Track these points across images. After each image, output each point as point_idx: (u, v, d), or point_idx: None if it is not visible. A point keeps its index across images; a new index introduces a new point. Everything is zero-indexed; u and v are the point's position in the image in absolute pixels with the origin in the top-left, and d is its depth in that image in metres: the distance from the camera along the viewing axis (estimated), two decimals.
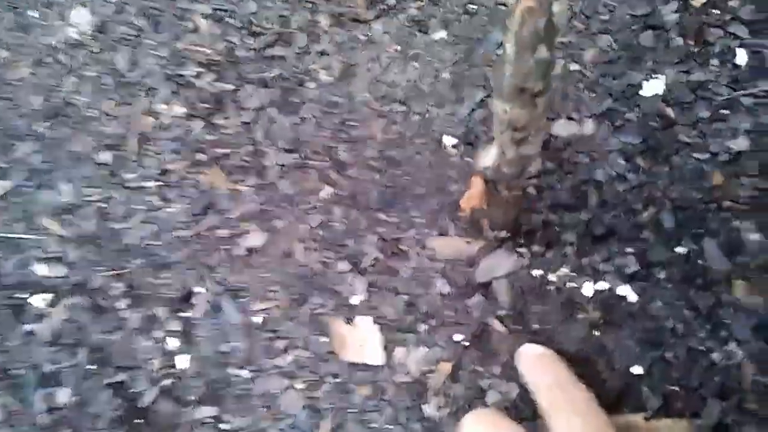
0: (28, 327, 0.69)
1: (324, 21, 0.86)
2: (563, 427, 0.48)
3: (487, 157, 0.55)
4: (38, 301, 0.70)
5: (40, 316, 0.69)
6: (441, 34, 0.82)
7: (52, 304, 0.70)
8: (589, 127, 0.73)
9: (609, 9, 0.79)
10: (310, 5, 0.87)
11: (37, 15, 0.92)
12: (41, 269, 0.73)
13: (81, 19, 0.92)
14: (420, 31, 0.83)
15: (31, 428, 0.63)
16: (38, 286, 0.72)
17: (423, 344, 0.64)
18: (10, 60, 0.89)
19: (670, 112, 0.71)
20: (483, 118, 0.77)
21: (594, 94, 0.75)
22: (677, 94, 0.71)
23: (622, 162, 0.69)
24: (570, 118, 0.74)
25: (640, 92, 0.73)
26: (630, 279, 0.62)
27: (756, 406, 0.54)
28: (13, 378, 0.66)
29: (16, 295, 0.71)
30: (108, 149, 0.82)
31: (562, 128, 0.74)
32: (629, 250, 0.64)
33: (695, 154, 0.67)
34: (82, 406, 0.63)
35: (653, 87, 0.73)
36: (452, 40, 0.82)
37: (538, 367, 0.55)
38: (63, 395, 0.64)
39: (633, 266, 0.62)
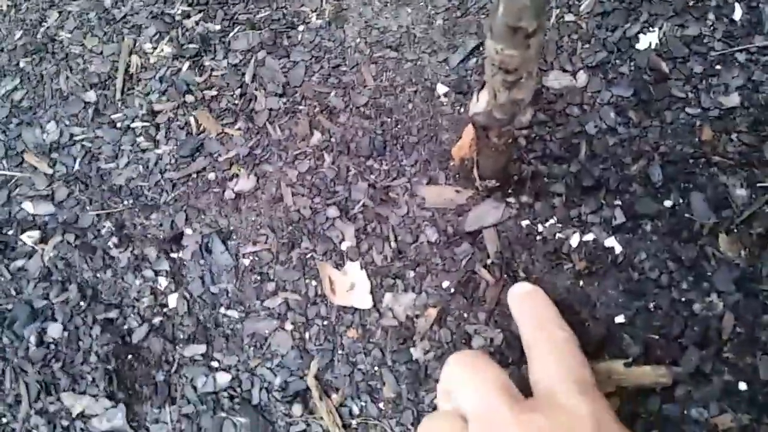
0: (18, 263, 0.67)
1: None
2: (538, 363, 0.48)
3: (479, 102, 0.53)
4: (27, 238, 0.68)
5: (29, 253, 0.67)
6: None
7: (42, 241, 0.68)
8: (581, 79, 0.71)
9: None
10: None
11: None
12: (29, 207, 0.70)
13: None
14: None
15: (23, 361, 0.61)
16: (27, 223, 0.70)
17: (411, 290, 0.63)
18: None
19: (663, 66, 0.68)
20: (476, 67, 0.74)
21: (588, 46, 0.72)
22: (672, 48, 0.69)
23: (614, 115, 0.67)
24: (563, 70, 0.72)
25: (635, 45, 0.71)
26: (616, 230, 0.61)
27: (734, 356, 0.54)
28: (4, 312, 0.64)
29: (5, 232, 0.69)
30: (94, 88, 0.79)
31: (554, 80, 0.71)
32: (617, 202, 0.63)
33: (687, 109, 0.65)
34: (72, 341, 0.62)
35: (648, 40, 0.71)
36: None
37: (525, 304, 0.54)
38: (54, 330, 0.62)
39: (620, 218, 0.61)
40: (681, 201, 0.61)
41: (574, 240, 0.62)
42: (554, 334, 0.50)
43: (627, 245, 0.60)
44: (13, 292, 0.65)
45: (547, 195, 0.64)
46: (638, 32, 0.71)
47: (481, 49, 0.74)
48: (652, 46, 0.70)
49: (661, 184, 0.62)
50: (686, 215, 0.60)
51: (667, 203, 0.61)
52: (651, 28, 0.71)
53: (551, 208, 0.64)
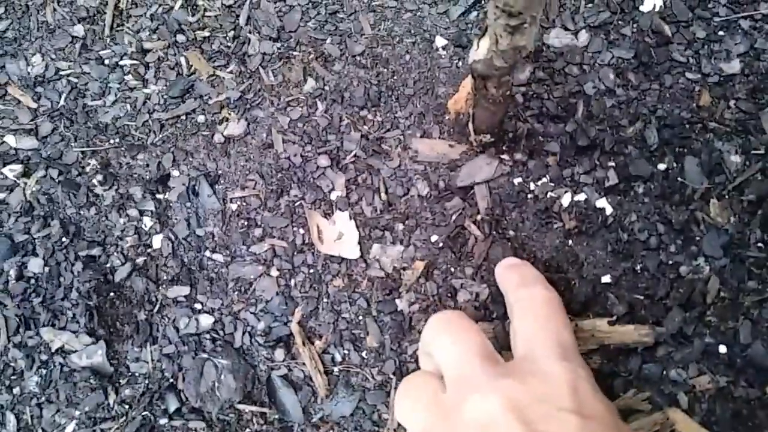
0: (0, 196, 0.64)
1: None
2: (519, 323, 0.47)
3: (479, 50, 0.51)
4: (8, 171, 0.65)
5: (10, 187, 0.65)
6: None
7: (24, 175, 0.65)
8: (583, 38, 0.68)
9: None
10: None
11: None
12: (11, 140, 0.68)
13: None
14: None
15: (1, 295, 0.60)
16: (8, 156, 0.67)
17: (399, 242, 0.62)
18: None
19: (666, 29, 0.66)
20: (477, 21, 0.72)
21: (591, 6, 0.70)
22: (676, 12, 0.67)
23: (613, 76, 0.65)
24: (565, 28, 0.69)
25: (639, 7, 0.69)
26: (608, 192, 0.60)
27: (716, 319, 0.54)
28: None
29: None
30: (82, 22, 0.75)
31: (555, 38, 0.69)
32: (611, 163, 0.61)
33: (687, 74, 0.64)
34: (53, 276, 0.60)
35: (652, 2, 0.68)
36: None
37: (511, 271, 0.53)
38: (34, 265, 0.60)
39: (613, 179, 0.60)
40: (675, 165, 0.60)
41: (566, 199, 0.60)
42: (537, 293, 0.48)
43: (618, 206, 0.59)
44: None
45: (541, 153, 0.63)
46: None
47: (482, 2, 0.72)
48: (656, 9, 0.68)
49: (656, 148, 0.61)
50: (679, 179, 0.59)
51: (661, 167, 0.60)
52: None
53: (545, 166, 0.62)
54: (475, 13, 0.72)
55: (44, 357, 0.58)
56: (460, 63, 0.69)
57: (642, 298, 0.56)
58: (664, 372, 0.54)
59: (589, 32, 0.68)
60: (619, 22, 0.69)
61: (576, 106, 0.65)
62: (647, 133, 0.62)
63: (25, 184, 0.65)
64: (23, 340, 0.58)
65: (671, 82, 0.64)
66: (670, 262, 0.56)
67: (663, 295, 0.55)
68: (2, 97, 0.71)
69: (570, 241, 0.59)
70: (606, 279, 0.57)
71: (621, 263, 0.57)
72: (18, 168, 0.66)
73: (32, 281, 0.60)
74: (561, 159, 0.63)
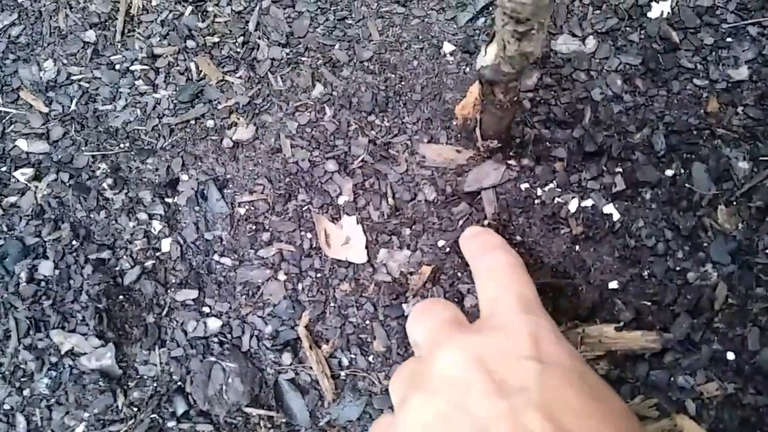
0: (11, 200, 0.65)
1: None
2: (481, 286, 0.47)
3: (487, 56, 0.51)
4: (20, 175, 0.66)
5: (22, 190, 0.65)
6: None
7: (35, 178, 0.66)
8: (590, 44, 0.69)
9: None
10: None
11: None
12: (23, 144, 0.68)
13: None
14: None
15: (12, 297, 0.60)
16: (20, 160, 0.68)
17: (406, 247, 0.62)
18: None
19: (674, 35, 0.66)
20: (484, 27, 0.72)
21: (599, 12, 0.70)
22: (684, 18, 0.67)
23: (620, 82, 0.65)
24: (572, 35, 0.69)
25: (647, 13, 0.69)
26: (616, 197, 0.60)
27: (724, 326, 0.54)
28: None
29: None
30: (93, 28, 0.76)
31: (563, 44, 0.69)
32: (618, 169, 0.61)
33: (695, 80, 0.64)
34: (63, 279, 0.61)
35: (660, 9, 0.68)
36: None
37: (474, 239, 0.53)
38: (45, 268, 0.61)
39: (620, 185, 0.60)
40: (682, 171, 0.60)
41: (573, 205, 0.60)
42: (499, 257, 0.49)
43: (625, 212, 0.59)
44: (5, 228, 0.64)
45: (549, 159, 0.63)
46: (650, 0, 0.69)
47: (490, 8, 0.72)
48: (664, 15, 0.68)
49: (664, 154, 0.61)
50: (687, 185, 0.59)
51: (669, 173, 0.60)
52: None
53: (552, 172, 0.62)
54: (482, 20, 0.72)
55: (54, 359, 0.58)
56: (468, 69, 0.70)
57: (649, 304, 0.55)
58: (672, 378, 0.53)
59: (596, 38, 0.68)
60: (627, 28, 0.69)
61: (583, 111, 0.65)
62: (655, 139, 0.61)
63: (36, 187, 0.66)
64: (33, 343, 0.59)
65: (679, 88, 0.64)
66: (678, 268, 0.56)
67: (670, 301, 0.55)
68: (14, 102, 0.72)
69: (577, 247, 0.59)
70: (613, 285, 0.57)
71: (628, 269, 0.57)
72: (29, 171, 0.66)
73: (42, 284, 0.61)
74: (568, 165, 0.62)
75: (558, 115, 0.65)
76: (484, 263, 0.49)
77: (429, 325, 0.45)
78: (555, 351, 0.39)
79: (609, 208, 0.60)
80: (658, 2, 0.69)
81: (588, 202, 0.60)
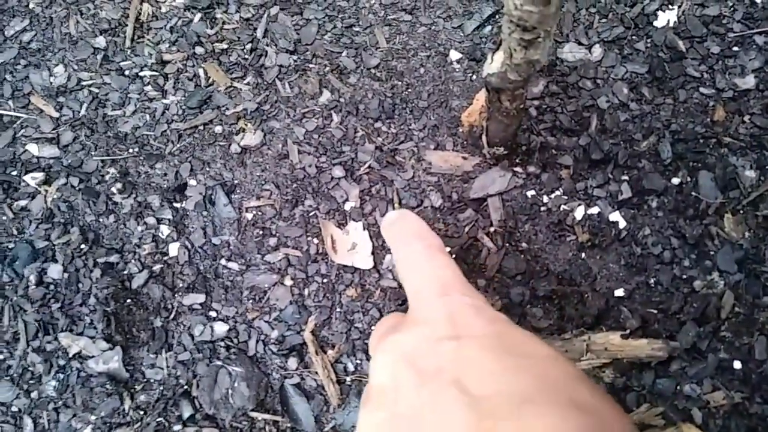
0: (21, 203, 0.65)
1: None
2: (402, 277, 0.46)
3: (493, 63, 0.51)
4: (30, 179, 0.66)
5: (32, 194, 0.66)
6: None
7: (45, 182, 0.66)
8: (596, 53, 0.69)
9: None
10: None
11: None
12: (33, 149, 0.69)
13: None
14: None
15: (22, 300, 0.60)
16: (30, 164, 0.68)
17: None
18: None
19: (680, 44, 0.66)
20: (491, 35, 0.72)
21: (605, 20, 0.70)
22: (690, 27, 0.67)
23: (627, 91, 0.65)
24: (578, 43, 0.70)
25: (653, 22, 0.69)
26: (622, 205, 0.60)
27: (731, 334, 0.53)
28: (5, 251, 0.63)
29: (9, 172, 0.67)
30: (103, 34, 0.76)
31: (569, 52, 0.69)
32: (624, 177, 0.61)
33: (701, 89, 0.64)
34: (72, 282, 0.61)
35: (666, 18, 0.68)
36: None
37: (394, 228, 0.50)
38: (54, 271, 0.61)
39: (626, 193, 0.60)
40: (689, 179, 0.60)
41: (579, 213, 0.60)
42: (413, 246, 0.46)
43: (631, 220, 0.59)
44: (15, 232, 0.64)
45: (555, 167, 0.63)
46: (657, 9, 0.69)
47: (497, 17, 0.72)
48: (670, 24, 0.68)
49: (670, 162, 0.60)
50: (693, 194, 0.59)
51: (675, 181, 0.60)
52: (670, 6, 0.69)
53: (558, 179, 0.62)
54: (489, 28, 0.72)
55: (62, 362, 0.58)
56: (474, 76, 0.70)
57: (655, 312, 0.55)
58: (678, 387, 0.53)
59: (602, 47, 0.69)
60: (633, 37, 0.69)
61: (589, 119, 0.65)
62: (661, 147, 0.61)
63: (46, 191, 0.66)
64: (42, 345, 0.59)
65: (685, 96, 0.64)
66: (684, 276, 0.56)
67: (677, 309, 0.55)
68: (25, 107, 0.72)
69: (583, 254, 0.59)
70: (619, 292, 0.57)
71: (634, 277, 0.57)
72: (39, 176, 0.67)
73: (51, 287, 0.61)
74: (574, 172, 0.62)
75: (564, 123, 0.65)
76: (401, 254, 0.47)
77: (373, 343, 0.43)
78: (473, 323, 0.37)
79: (615, 216, 0.60)
80: (664, 11, 0.69)
81: (594, 210, 0.60)
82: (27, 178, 0.67)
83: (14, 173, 0.68)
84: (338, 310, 0.60)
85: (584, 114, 0.65)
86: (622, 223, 0.59)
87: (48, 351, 0.59)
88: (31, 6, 0.78)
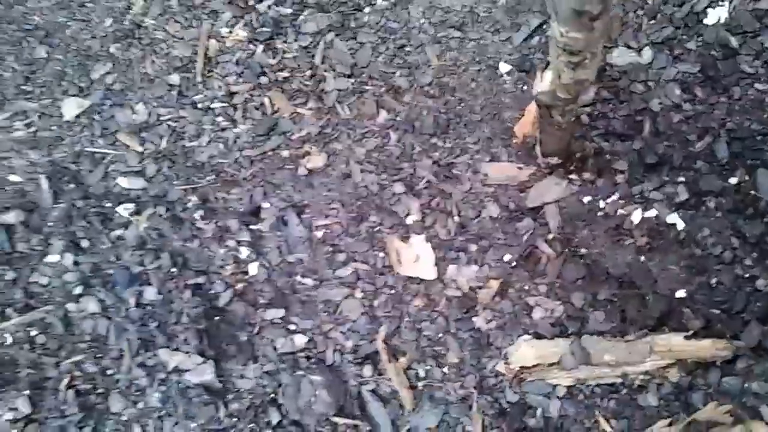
0: (117, 233, 0.72)
1: None
2: None
3: (543, 82, 0.53)
4: (123, 210, 0.73)
5: (125, 224, 0.72)
6: None
7: (136, 212, 0.72)
8: (647, 55, 0.69)
9: None
10: None
11: None
12: (123, 182, 0.75)
13: None
14: None
15: (124, 320, 0.66)
16: (122, 196, 0.74)
17: (473, 262, 0.64)
18: None
19: (733, 41, 0.66)
20: (539, 45, 0.73)
21: (653, 22, 0.70)
22: (742, 23, 0.66)
23: (679, 92, 0.65)
24: (628, 47, 0.70)
25: (703, 20, 0.68)
26: (679, 207, 0.60)
27: None
28: (106, 276, 0.70)
29: (104, 204, 0.74)
30: (177, 71, 0.82)
31: (618, 57, 0.70)
32: (680, 179, 0.61)
33: (756, 85, 0.63)
34: (166, 303, 0.67)
35: (717, 15, 0.68)
36: None
37: None
38: (150, 293, 0.67)
39: (683, 195, 0.60)
40: (747, 178, 0.59)
41: (636, 216, 0.61)
42: None
43: (690, 222, 0.59)
44: (114, 258, 0.70)
45: (610, 172, 0.64)
46: (706, 7, 0.69)
47: (544, 27, 0.73)
48: (721, 21, 0.67)
49: (727, 161, 0.60)
50: (752, 192, 0.58)
51: (732, 180, 0.60)
52: (720, 2, 0.68)
53: (613, 184, 0.63)
54: (537, 38, 0.74)
55: (162, 375, 0.64)
56: (525, 87, 0.71)
57: (718, 312, 0.55)
58: (745, 385, 0.53)
59: (652, 49, 0.69)
60: (683, 36, 0.68)
61: (642, 123, 0.65)
62: (717, 146, 0.61)
63: (138, 220, 0.72)
64: (144, 361, 0.65)
65: (740, 94, 0.63)
66: (746, 275, 0.56)
67: (740, 308, 0.55)
68: (113, 143, 0.79)
69: (642, 257, 0.60)
70: (681, 294, 0.57)
71: (695, 278, 0.57)
72: (131, 207, 0.73)
73: (149, 308, 0.67)
74: (630, 176, 0.63)
75: (617, 128, 0.66)
76: None
77: None
78: None
79: (673, 218, 0.60)
80: (714, 8, 0.68)
81: (651, 213, 0.61)
82: (120, 209, 0.73)
83: (108, 205, 0.75)
84: (406, 319, 0.63)
85: (637, 117, 0.66)
86: (681, 225, 0.59)
87: (150, 366, 0.65)
88: (111, 50, 0.85)
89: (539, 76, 0.53)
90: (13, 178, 0.77)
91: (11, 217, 0.73)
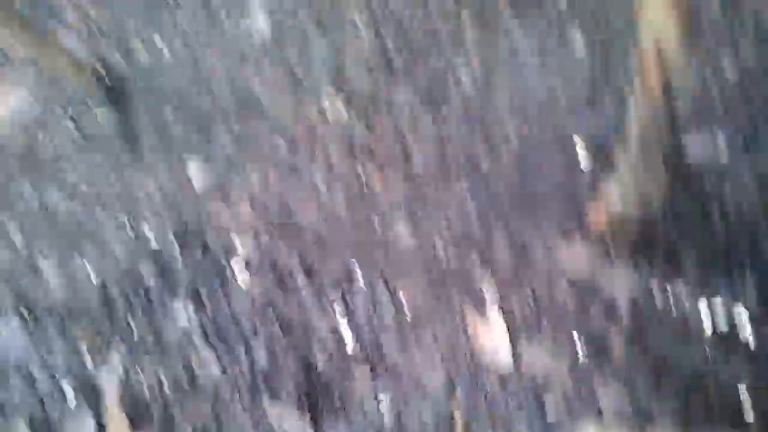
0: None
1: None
2: None
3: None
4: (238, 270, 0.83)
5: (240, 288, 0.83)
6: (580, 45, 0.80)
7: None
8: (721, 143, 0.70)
9: None
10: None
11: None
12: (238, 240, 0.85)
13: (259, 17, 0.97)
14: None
15: (239, 381, 0.78)
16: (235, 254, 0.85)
17: (546, 343, 0.70)
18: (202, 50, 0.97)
19: None
20: (617, 127, 0.76)
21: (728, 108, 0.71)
22: None
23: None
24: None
25: None
26: (751, 303, 0.62)
27: None
28: (226, 341, 0.81)
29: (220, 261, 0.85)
30: (285, 142, 0.91)
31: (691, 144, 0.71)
32: (752, 274, 0.63)
33: None
34: (273, 364, 0.77)
35: None
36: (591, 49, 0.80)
37: None
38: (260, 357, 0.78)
39: (754, 290, 0.62)
40: None
41: (705, 311, 0.64)
42: None
43: (763, 319, 0.61)
44: (228, 316, 0.82)
45: (683, 263, 0.66)
46: None
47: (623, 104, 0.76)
48: None
49: None
50: None
51: None
52: None
53: (683, 275, 0.66)
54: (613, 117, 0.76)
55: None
56: (601, 170, 0.74)
57: None
58: None
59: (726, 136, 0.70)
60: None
61: (713, 213, 0.67)
62: None
63: (249, 283, 0.83)
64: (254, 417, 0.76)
65: None
66: None
67: None
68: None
69: (709, 353, 0.62)
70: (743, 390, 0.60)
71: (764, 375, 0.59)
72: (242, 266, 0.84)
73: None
74: (700, 268, 0.66)
75: (689, 220, 0.68)
76: None
77: None
78: None
79: (743, 314, 0.62)
80: None
81: (721, 308, 0.63)
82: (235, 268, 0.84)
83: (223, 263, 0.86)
84: (482, 394, 0.70)
85: (708, 208, 0.68)
86: (748, 326, 0.61)
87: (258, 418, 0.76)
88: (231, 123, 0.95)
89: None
90: None
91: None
